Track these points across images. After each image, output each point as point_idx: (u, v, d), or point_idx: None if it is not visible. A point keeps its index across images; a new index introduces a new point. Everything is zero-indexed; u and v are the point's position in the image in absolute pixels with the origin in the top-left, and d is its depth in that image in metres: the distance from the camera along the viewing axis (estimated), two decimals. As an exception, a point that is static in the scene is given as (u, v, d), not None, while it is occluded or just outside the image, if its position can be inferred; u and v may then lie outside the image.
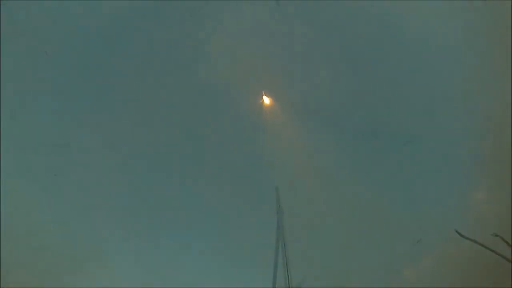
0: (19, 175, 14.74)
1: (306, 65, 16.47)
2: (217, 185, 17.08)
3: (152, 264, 15.45)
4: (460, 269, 13.26)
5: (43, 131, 15.88)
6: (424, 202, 15.23)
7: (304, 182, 16.60)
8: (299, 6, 16.29)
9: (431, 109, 16.42)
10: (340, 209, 16.11)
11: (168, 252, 15.79)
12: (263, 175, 16.91)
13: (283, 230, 12.49)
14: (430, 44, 16.36)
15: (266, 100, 12.88)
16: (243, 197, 16.60)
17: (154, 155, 17.19)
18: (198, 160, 17.61)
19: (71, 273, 13.98)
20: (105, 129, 16.72)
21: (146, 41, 17.31)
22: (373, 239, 15.23)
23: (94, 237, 15.12)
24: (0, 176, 13.65)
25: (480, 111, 15.29)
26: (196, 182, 17.13)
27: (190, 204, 16.82)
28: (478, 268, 12.02)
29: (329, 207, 16.28)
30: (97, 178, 16.22)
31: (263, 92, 13.48)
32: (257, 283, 13.95)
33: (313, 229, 15.68)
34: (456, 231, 11.16)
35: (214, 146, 17.29)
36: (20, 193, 14.36)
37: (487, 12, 14.81)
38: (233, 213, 16.48)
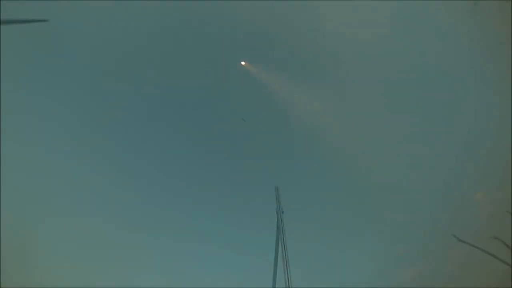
0: (19, 175, 14.77)
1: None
2: (217, 185, 17.16)
3: (154, 264, 15.49)
4: (460, 270, 13.28)
5: (44, 131, 15.94)
6: (424, 204, 15.24)
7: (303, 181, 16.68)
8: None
9: (429, 109, 16.44)
10: (340, 209, 16.17)
11: (168, 252, 15.84)
12: (263, 174, 16.97)
13: (283, 230, 12.41)
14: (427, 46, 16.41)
15: (243, 63, 17.85)
16: (243, 197, 16.66)
17: (152, 157, 17.29)
18: (196, 160, 17.68)
19: (71, 273, 14.02)
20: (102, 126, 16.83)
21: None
22: (373, 239, 15.25)
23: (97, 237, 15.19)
24: (0, 176, 13.66)
25: (480, 113, 15.27)
26: (195, 182, 17.22)
27: (190, 206, 16.89)
28: (478, 269, 12.02)
29: (328, 207, 16.34)
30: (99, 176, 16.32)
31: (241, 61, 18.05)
32: (257, 283, 13.95)
33: (312, 229, 15.73)
34: (454, 236, 11.10)
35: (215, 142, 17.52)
36: (20, 193, 14.40)
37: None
38: (233, 213, 16.55)
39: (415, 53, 16.60)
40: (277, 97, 18.00)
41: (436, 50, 16.41)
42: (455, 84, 16.16)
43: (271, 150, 17.70)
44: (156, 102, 17.80)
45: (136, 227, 15.78)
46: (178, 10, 17.05)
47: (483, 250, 9.95)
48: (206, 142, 17.84)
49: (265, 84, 18.05)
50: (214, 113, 18.10)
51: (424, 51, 16.51)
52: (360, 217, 15.82)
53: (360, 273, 14.65)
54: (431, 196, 15.33)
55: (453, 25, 15.73)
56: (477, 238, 10.79)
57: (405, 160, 16.13)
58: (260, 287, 13.42)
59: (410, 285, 14.16)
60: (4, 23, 9.76)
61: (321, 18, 17.09)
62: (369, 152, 16.42)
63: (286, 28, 17.77)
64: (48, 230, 14.45)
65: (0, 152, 13.75)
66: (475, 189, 14.92)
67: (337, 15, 16.78)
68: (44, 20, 11.03)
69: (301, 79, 17.82)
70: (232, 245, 16.10)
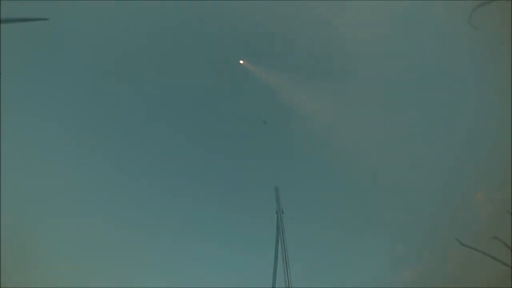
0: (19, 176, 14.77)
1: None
2: (217, 185, 17.16)
3: (154, 264, 15.49)
4: (460, 270, 13.28)
5: (44, 131, 15.94)
6: (424, 204, 15.24)
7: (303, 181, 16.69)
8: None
9: (429, 109, 16.44)
10: (340, 209, 16.17)
11: (168, 252, 15.84)
12: (263, 174, 16.98)
13: (283, 230, 12.47)
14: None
15: (241, 61, 18.35)
16: (243, 197, 16.66)
17: (152, 156, 17.31)
18: (196, 160, 17.70)
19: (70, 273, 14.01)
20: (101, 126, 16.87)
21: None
22: (373, 240, 15.26)
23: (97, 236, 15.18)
24: (0, 176, 13.65)
25: (480, 113, 15.27)
26: (195, 182, 17.23)
27: (190, 206, 16.89)
28: (478, 270, 12.02)
29: (328, 207, 16.34)
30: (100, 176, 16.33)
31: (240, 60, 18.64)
32: (257, 283, 13.96)
33: (312, 229, 15.73)
34: (456, 239, 11.08)
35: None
36: (20, 193, 14.39)
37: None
38: (233, 213, 16.55)
39: (415, 53, 16.61)
40: (277, 96, 18.02)
41: (436, 50, 16.41)
42: (455, 84, 16.16)
43: (271, 150, 17.72)
44: (156, 102, 17.83)
45: (136, 227, 15.79)
46: (178, 10, 17.08)
47: (486, 254, 9.97)
48: (206, 142, 17.87)
49: (266, 84, 18.07)
50: (214, 113, 18.14)
51: (424, 51, 16.52)
52: (360, 217, 15.83)
53: (360, 273, 14.66)
54: (431, 196, 15.33)
55: (453, 25, 15.72)
56: (477, 238, 10.80)
57: (405, 160, 16.14)
58: (260, 287, 13.45)
59: (410, 285, 14.17)
60: (4, 21, 9.74)
61: (321, 18, 17.10)
62: (369, 152, 16.42)
63: (286, 27, 17.81)
64: (48, 230, 14.45)
65: (0, 152, 13.74)
66: (475, 189, 14.91)
67: (337, 15, 16.79)
68: (45, 19, 11.01)
69: (301, 78, 17.85)
70: (232, 245, 16.10)
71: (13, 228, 13.34)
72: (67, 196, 15.53)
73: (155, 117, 17.74)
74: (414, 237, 14.73)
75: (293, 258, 11.26)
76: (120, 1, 16.38)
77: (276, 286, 12.03)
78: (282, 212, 12.57)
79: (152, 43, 17.71)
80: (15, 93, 15.10)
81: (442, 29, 16.19)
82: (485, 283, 11.95)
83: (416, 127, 16.42)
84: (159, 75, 17.85)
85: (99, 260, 14.67)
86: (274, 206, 12.96)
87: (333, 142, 16.63)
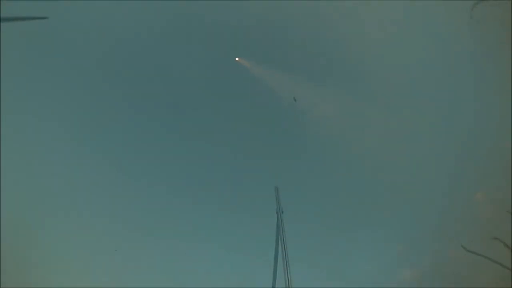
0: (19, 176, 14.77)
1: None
2: (217, 185, 17.17)
3: (153, 264, 15.49)
4: (460, 270, 13.28)
5: (44, 131, 15.94)
6: (424, 204, 15.25)
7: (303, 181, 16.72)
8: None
9: (429, 109, 16.47)
10: (340, 209, 16.19)
11: (168, 252, 15.85)
12: (263, 174, 17.00)
13: (283, 230, 12.47)
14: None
15: (237, 59, 18.32)
16: (243, 197, 16.67)
17: (152, 157, 17.34)
18: (196, 160, 17.71)
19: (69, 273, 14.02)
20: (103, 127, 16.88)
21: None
22: (374, 239, 15.27)
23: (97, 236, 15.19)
24: (0, 176, 13.65)
25: (480, 114, 15.28)
26: (195, 182, 17.25)
27: (190, 206, 16.90)
28: (478, 270, 12.03)
29: (328, 207, 16.36)
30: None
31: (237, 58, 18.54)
32: (257, 283, 13.96)
33: (312, 229, 15.74)
34: (462, 246, 11.08)
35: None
36: (20, 193, 14.39)
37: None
38: (233, 213, 16.56)
39: (415, 53, 16.62)
40: (277, 96, 18.02)
41: (436, 50, 16.43)
42: (455, 84, 16.17)
43: (271, 150, 17.73)
44: (156, 101, 17.83)
45: (136, 227, 15.79)
46: (179, 9, 17.08)
47: (489, 259, 9.96)
48: (206, 142, 17.86)
49: (266, 84, 18.06)
50: (214, 113, 18.14)
51: (424, 51, 16.54)
52: (360, 217, 15.83)
53: (360, 273, 14.66)
54: (430, 196, 15.33)
55: (453, 26, 15.74)
56: (477, 239, 10.80)
57: (405, 160, 16.15)
58: (260, 287, 13.45)
59: (410, 285, 14.17)
60: (4, 20, 9.74)
61: (321, 18, 17.11)
62: (368, 151, 16.43)
63: (286, 27, 17.82)
64: (48, 230, 14.45)
65: (0, 152, 13.74)
66: (475, 189, 14.92)
67: (337, 16, 16.81)
68: (44, 17, 11.01)
69: (301, 78, 17.86)
70: (232, 245, 16.11)
71: (13, 228, 13.34)
72: (67, 196, 15.53)
73: (155, 117, 17.76)
74: (414, 237, 14.73)
75: (293, 258, 11.27)
76: (119, 1, 16.39)
77: (276, 286, 12.04)
78: (282, 212, 12.57)
79: (152, 43, 17.71)
80: (15, 93, 15.10)
81: (442, 30, 16.21)
82: (485, 283, 11.95)
83: (416, 127, 16.44)
84: (159, 75, 17.86)
85: (99, 260, 14.66)
86: (274, 206, 12.96)
87: (333, 142, 16.64)
